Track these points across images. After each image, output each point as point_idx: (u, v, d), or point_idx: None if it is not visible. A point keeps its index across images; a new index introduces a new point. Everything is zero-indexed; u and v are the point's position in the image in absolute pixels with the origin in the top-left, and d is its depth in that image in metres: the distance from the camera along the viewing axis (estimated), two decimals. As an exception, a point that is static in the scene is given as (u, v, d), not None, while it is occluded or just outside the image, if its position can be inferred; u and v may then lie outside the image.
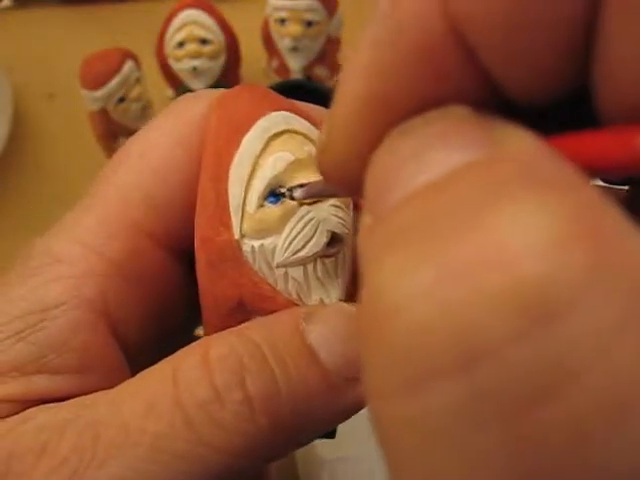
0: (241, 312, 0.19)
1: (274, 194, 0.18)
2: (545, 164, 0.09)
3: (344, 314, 0.18)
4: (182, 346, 0.18)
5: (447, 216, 0.09)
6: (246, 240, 0.18)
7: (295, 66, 0.58)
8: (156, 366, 0.17)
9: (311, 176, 0.18)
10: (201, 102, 0.20)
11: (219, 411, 0.16)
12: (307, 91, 0.52)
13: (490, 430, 0.08)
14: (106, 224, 0.19)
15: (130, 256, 0.19)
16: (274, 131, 0.18)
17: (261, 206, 0.18)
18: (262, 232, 0.18)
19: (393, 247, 0.09)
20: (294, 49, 0.57)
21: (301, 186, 0.18)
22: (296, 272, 0.18)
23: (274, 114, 0.19)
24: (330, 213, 0.18)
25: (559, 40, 0.10)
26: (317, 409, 0.17)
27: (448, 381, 0.08)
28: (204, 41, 0.55)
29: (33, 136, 0.62)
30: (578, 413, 0.08)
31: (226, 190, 0.18)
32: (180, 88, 0.58)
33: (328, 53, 0.59)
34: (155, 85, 0.59)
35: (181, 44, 0.55)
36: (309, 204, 0.18)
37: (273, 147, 0.18)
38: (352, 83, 0.12)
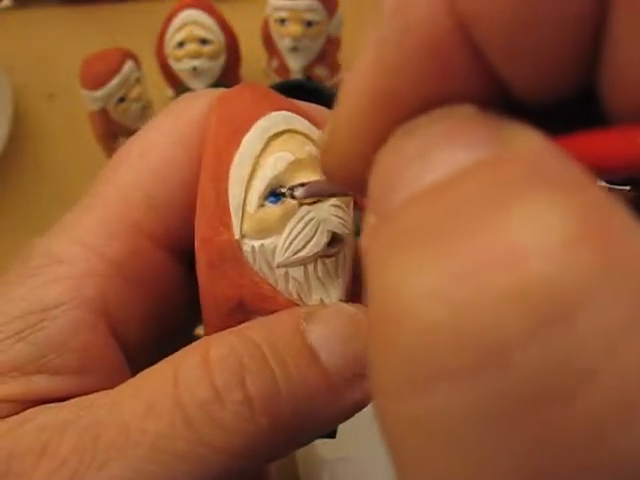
0: (241, 312, 0.19)
1: (274, 194, 0.18)
2: (553, 163, 0.09)
3: (344, 314, 0.18)
4: (182, 346, 0.18)
5: (455, 216, 0.09)
6: (246, 240, 0.18)
7: (295, 66, 0.58)
8: (156, 366, 0.17)
9: (311, 176, 0.18)
10: (201, 102, 0.20)
11: (219, 411, 0.16)
12: (307, 91, 0.52)
13: (498, 431, 0.08)
14: (106, 224, 0.19)
15: (130, 256, 0.19)
16: (274, 131, 0.18)
17: (261, 206, 0.18)
18: (262, 232, 0.18)
19: (401, 247, 0.09)
20: (294, 49, 0.57)
21: (302, 185, 0.18)
22: (296, 272, 0.18)
23: (274, 114, 0.19)
24: (330, 213, 0.18)
25: (566, 39, 0.10)
26: (317, 409, 0.17)
27: (456, 381, 0.08)
28: (204, 41, 0.55)
29: (33, 136, 0.62)
30: (586, 413, 0.08)
31: (226, 190, 0.18)
32: (180, 88, 0.58)
33: (328, 53, 0.59)
34: (155, 85, 0.59)
35: (181, 44, 0.55)
36: (309, 204, 0.18)
37: (273, 147, 0.18)
38: (357, 81, 0.12)
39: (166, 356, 0.17)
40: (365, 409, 0.18)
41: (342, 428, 0.19)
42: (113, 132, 0.55)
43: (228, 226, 0.18)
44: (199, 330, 0.24)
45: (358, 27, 0.60)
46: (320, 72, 0.59)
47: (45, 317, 0.18)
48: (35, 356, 0.18)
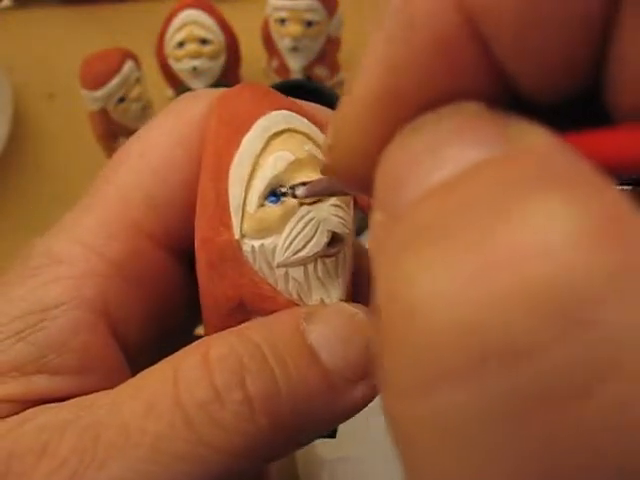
0: (241, 312, 0.19)
1: (274, 194, 0.18)
2: (561, 161, 0.09)
3: (345, 314, 0.18)
4: (182, 346, 0.18)
5: (467, 214, 0.09)
6: (246, 240, 0.18)
7: (295, 66, 0.58)
8: (156, 366, 0.17)
9: (311, 175, 0.18)
10: (201, 101, 0.20)
11: (219, 411, 0.16)
12: (307, 91, 0.52)
13: (508, 430, 0.08)
14: (106, 224, 0.19)
15: (130, 256, 0.19)
16: (274, 130, 0.18)
17: (261, 206, 0.18)
18: (262, 232, 0.18)
19: (413, 245, 0.09)
20: (294, 49, 0.57)
21: (304, 184, 0.18)
22: (296, 272, 0.18)
23: (274, 113, 0.19)
24: (330, 213, 0.18)
25: (574, 36, 0.10)
26: (317, 409, 0.17)
27: (466, 381, 0.08)
28: (204, 41, 0.55)
29: (33, 136, 0.62)
30: (598, 412, 0.08)
31: (226, 190, 0.18)
32: (180, 88, 0.58)
33: (328, 53, 0.59)
34: (155, 85, 0.59)
35: (181, 44, 0.55)
36: (309, 204, 0.18)
37: (273, 146, 0.18)
38: (363, 79, 0.12)
39: (166, 356, 0.17)
40: (365, 409, 0.18)
41: (342, 428, 0.19)
42: (113, 132, 0.55)
43: (228, 226, 0.18)
44: (199, 330, 0.24)
45: (358, 27, 0.60)
46: (320, 72, 0.59)
47: (45, 317, 0.18)
48: (35, 356, 0.18)
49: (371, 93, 0.11)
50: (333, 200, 0.18)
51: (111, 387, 0.17)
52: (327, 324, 0.17)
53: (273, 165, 0.18)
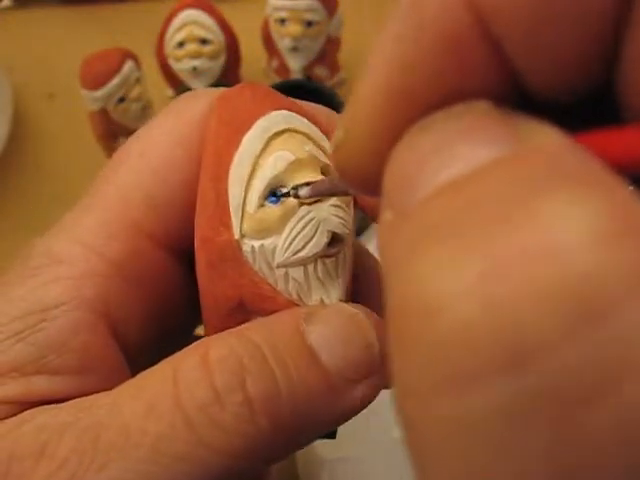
0: (241, 312, 0.19)
1: (274, 194, 0.18)
2: (572, 160, 0.09)
3: (345, 314, 0.18)
4: (182, 346, 0.17)
5: (478, 212, 0.09)
6: (246, 240, 0.18)
7: (295, 66, 0.58)
8: (156, 367, 0.17)
9: (311, 175, 0.18)
10: (201, 101, 0.20)
11: (219, 412, 0.16)
12: (307, 91, 0.52)
13: (537, 430, 0.08)
14: (106, 224, 0.19)
15: (130, 256, 0.19)
16: (274, 130, 0.18)
17: (261, 206, 0.18)
18: (262, 232, 0.18)
19: (428, 243, 0.09)
20: (294, 49, 0.57)
21: (307, 184, 0.18)
22: (296, 272, 0.18)
23: (274, 113, 0.19)
24: (330, 213, 0.18)
25: (585, 35, 0.10)
26: (317, 410, 0.17)
27: (494, 380, 0.08)
28: (204, 41, 0.55)
29: (33, 136, 0.62)
30: (628, 412, 0.08)
31: (226, 190, 0.18)
32: (180, 88, 0.58)
33: (328, 53, 0.59)
34: (155, 85, 0.59)
35: (181, 44, 0.55)
36: (309, 204, 0.18)
37: (273, 146, 0.18)
38: (372, 78, 0.11)
39: (166, 356, 0.17)
40: (365, 410, 0.18)
41: (342, 428, 0.19)
42: (113, 132, 0.55)
43: (228, 226, 0.18)
44: (199, 330, 0.24)
45: (358, 27, 0.60)
46: (320, 72, 0.59)
47: (45, 317, 0.18)
48: (35, 357, 0.18)
49: (380, 92, 0.11)
50: (333, 200, 0.18)
51: (111, 388, 0.17)
52: (327, 325, 0.17)
53: (273, 165, 0.18)
